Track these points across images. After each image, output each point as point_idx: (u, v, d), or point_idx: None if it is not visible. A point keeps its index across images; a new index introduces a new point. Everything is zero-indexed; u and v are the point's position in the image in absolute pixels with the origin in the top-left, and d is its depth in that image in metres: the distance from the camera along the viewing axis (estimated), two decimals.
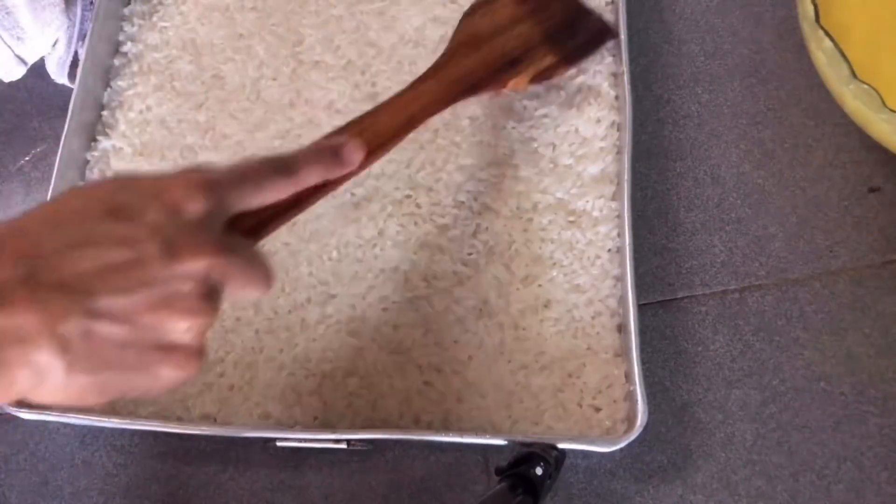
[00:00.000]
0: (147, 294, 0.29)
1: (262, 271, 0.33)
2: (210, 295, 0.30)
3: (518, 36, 0.51)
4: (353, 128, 0.42)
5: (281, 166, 0.35)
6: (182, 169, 0.33)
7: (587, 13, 0.53)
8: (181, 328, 0.30)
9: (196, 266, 0.30)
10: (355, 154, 0.39)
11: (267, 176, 0.34)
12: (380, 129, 0.43)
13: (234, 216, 0.33)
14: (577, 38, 0.52)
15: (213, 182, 0.32)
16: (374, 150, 0.42)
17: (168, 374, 0.30)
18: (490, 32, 0.50)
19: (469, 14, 0.51)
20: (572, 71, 0.52)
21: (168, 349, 0.30)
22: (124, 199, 0.30)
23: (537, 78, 0.50)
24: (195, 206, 0.30)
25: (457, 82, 0.48)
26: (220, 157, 0.52)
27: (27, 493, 0.47)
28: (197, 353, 0.31)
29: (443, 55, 0.49)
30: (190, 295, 0.30)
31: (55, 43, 0.55)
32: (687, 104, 0.53)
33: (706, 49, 0.55)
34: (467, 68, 0.48)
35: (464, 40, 0.50)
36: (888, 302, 0.47)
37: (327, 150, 0.38)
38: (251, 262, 0.32)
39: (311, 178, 0.36)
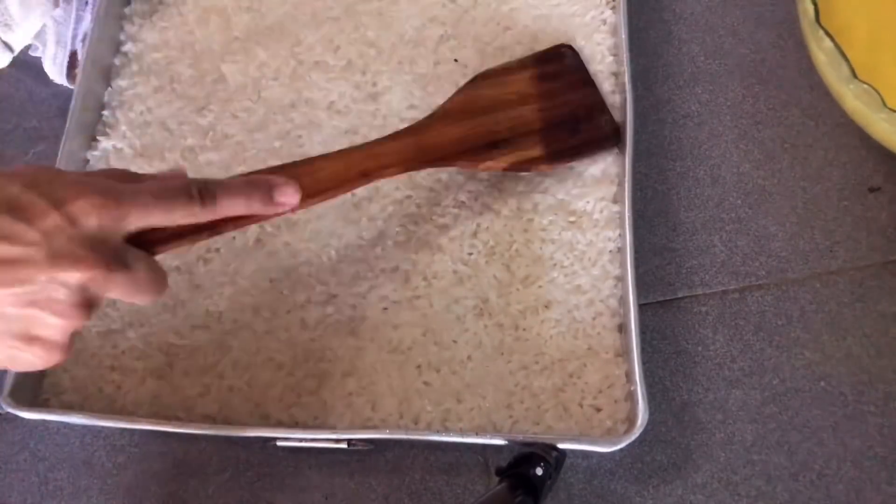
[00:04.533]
0: (20, 290, 0.31)
1: (148, 284, 0.35)
2: (83, 303, 0.33)
3: (516, 117, 0.47)
4: (298, 169, 0.40)
5: (200, 193, 0.35)
6: (107, 173, 0.35)
7: (601, 111, 0.49)
8: (47, 325, 0.33)
9: (73, 277, 0.32)
10: (288, 198, 0.38)
11: (180, 202, 0.35)
12: (325, 177, 0.41)
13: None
14: (575, 137, 0.48)
15: (118, 199, 0.33)
16: (312, 195, 0.40)
17: (25, 361, 0.34)
18: (489, 105, 0.47)
19: (478, 79, 0.49)
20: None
21: (29, 340, 0.33)
22: (29, 199, 0.32)
23: (514, 167, 0.47)
24: (91, 221, 0.32)
25: (430, 150, 0.45)
26: (220, 156, 0.52)
27: (27, 493, 0.47)
28: (58, 347, 0.34)
29: (430, 115, 0.47)
30: (62, 300, 0.32)
31: (42, 38, 0.55)
32: (687, 104, 0.53)
33: (706, 49, 0.55)
34: (447, 139, 0.45)
35: (458, 107, 0.47)
36: (888, 302, 0.47)
37: (260, 186, 0.38)
38: (139, 274, 0.34)
39: (230, 211, 0.37)
